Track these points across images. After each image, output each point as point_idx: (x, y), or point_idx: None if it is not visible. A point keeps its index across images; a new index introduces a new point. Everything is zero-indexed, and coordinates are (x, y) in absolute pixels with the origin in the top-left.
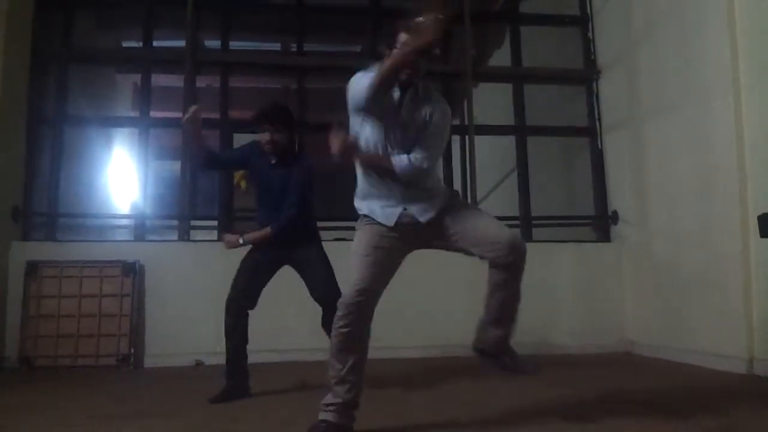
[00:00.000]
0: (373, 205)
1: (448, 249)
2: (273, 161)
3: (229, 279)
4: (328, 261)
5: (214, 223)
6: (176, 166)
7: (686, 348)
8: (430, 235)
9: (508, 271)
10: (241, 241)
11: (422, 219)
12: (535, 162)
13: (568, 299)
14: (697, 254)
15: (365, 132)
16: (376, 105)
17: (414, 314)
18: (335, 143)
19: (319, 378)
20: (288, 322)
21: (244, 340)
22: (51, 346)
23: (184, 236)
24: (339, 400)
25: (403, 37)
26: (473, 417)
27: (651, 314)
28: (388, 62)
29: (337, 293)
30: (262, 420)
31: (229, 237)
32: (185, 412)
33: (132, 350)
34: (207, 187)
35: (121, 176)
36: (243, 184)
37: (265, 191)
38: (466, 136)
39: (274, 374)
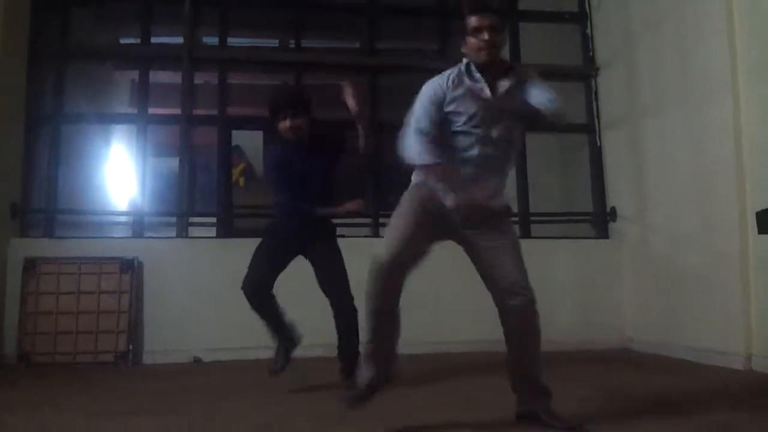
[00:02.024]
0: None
1: (467, 254)
2: (304, 146)
3: (228, 275)
4: (343, 263)
5: (213, 219)
6: (174, 162)
7: (685, 344)
8: (465, 233)
9: (513, 325)
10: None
11: (489, 203)
12: (534, 159)
13: (567, 296)
14: (695, 251)
15: (458, 106)
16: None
17: (421, 310)
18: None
19: (320, 374)
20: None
21: (276, 307)
22: (49, 343)
23: (183, 233)
24: (371, 373)
25: (470, 20)
26: (475, 415)
27: (649, 311)
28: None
29: (351, 303)
30: (260, 417)
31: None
32: (183, 409)
33: (130, 347)
34: (205, 183)
35: (120, 173)
36: (242, 180)
37: (302, 177)
38: None
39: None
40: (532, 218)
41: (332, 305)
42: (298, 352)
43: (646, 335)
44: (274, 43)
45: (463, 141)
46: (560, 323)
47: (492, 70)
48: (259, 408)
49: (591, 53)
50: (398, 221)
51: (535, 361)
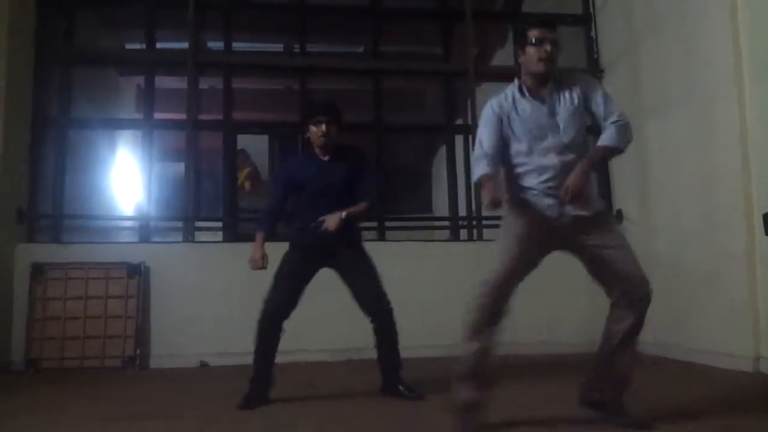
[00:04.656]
0: (533, 197)
1: (580, 260)
2: (326, 158)
3: (234, 280)
4: (374, 265)
5: (219, 224)
6: (180, 167)
7: (692, 347)
8: (575, 238)
9: (632, 315)
10: (343, 215)
11: (577, 212)
12: None
13: (573, 298)
14: (701, 252)
15: (518, 127)
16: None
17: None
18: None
19: (325, 379)
20: (294, 322)
21: (275, 350)
22: (57, 348)
23: (189, 237)
24: (472, 389)
25: (533, 32)
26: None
27: (656, 313)
28: None
29: (389, 306)
30: (266, 421)
31: (331, 217)
32: (190, 413)
33: (137, 351)
34: (211, 188)
35: (125, 178)
36: (247, 184)
37: (323, 188)
38: (470, 136)
39: (279, 375)
40: None
41: (373, 320)
42: (303, 357)
43: (652, 338)
44: (278, 47)
45: (538, 154)
46: (566, 326)
47: (546, 80)
48: (265, 412)
49: (595, 55)
50: (502, 246)
51: (635, 351)
